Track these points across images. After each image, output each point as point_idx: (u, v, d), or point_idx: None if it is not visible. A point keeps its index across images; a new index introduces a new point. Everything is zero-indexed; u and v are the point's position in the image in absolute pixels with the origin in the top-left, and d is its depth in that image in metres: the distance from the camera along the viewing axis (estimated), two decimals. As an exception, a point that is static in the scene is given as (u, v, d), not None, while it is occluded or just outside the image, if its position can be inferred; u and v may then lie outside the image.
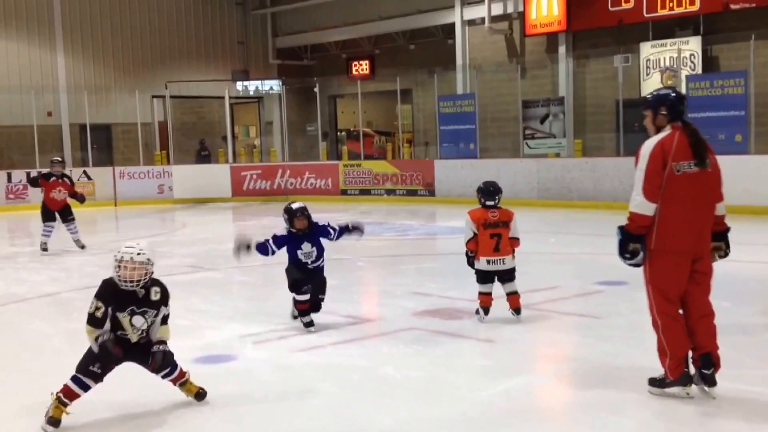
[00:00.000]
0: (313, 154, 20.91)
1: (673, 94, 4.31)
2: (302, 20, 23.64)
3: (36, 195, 18.07)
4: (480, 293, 6.10)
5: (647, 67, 16.56)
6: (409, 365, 5.16)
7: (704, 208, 4.21)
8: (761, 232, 10.81)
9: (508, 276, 6.05)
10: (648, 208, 4.11)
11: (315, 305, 6.15)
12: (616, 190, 14.49)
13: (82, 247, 11.09)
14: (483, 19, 19.10)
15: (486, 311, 6.11)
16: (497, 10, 18.91)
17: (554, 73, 18.39)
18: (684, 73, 15.27)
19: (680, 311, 4.27)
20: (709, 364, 4.24)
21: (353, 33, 22.48)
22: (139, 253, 4.09)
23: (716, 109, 13.71)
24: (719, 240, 4.37)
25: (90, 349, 4.12)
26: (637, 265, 4.28)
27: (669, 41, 16.23)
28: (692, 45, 15.92)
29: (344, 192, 18.75)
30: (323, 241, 6.22)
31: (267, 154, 21.91)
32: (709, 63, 15.90)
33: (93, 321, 4.09)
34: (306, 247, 6.04)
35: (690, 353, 4.30)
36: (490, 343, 5.65)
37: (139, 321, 4.16)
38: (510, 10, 18.83)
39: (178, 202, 18.85)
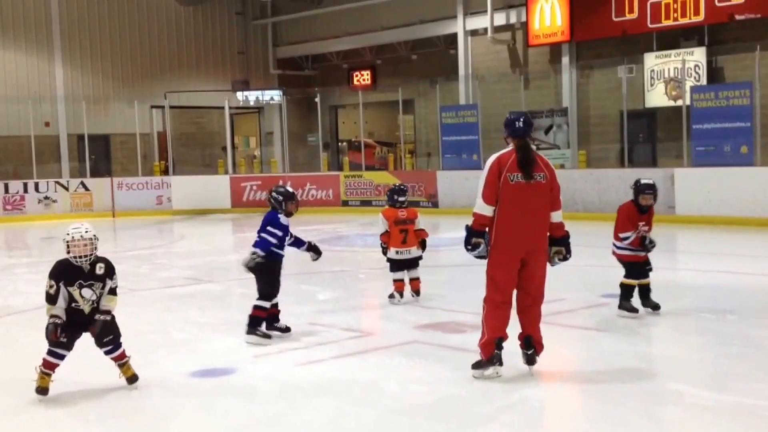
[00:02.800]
0: (313, 164, 20.79)
1: (512, 117, 5.11)
2: (303, 30, 23.63)
3: (33, 206, 18.07)
4: (394, 280, 7.28)
5: (651, 77, 16.49)
6: (411, 379, 5.10)
7: (533, 213, 4.95)
8: (769, 244, 10.68)
9: (414, 264, 7.25)
10: (487, 210, 4.91)
11: (274, 316, 6.15)
12: (621, 201, 14.16)
13: None
14: (486, 30, 19.04)
15: (401, 295, 7.28)
16: (500, 20, 18.86)
17: (558, 83, 18.32)
18: (688, 84, 15.17)
19: (505, 301, 4.93)
20: (529, 345, 4.99)
21: (355, 43, 22.44)
22: (87, 231, 4.79)
23: (721, 121, 13.59)
24: (560, 245, 5.10)
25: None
26: (481, 257, 4.97)
27: (673, 52, 16.16)
28: (697, 56, 15.85)
29: (345, 203, 18.62)
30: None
31: (267, 164, 21.81)
32: (714, 74, 15.82)
33: (48, 298, 4.79)
34: (289, 235, 6.07)
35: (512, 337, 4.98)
36: (495, 357, 5.51)
37: (87, 293, 4.79)
38: (513, 20, 18.78)
39: (177, 213, 18.71)
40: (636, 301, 6.64)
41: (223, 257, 12.12)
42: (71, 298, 4.76)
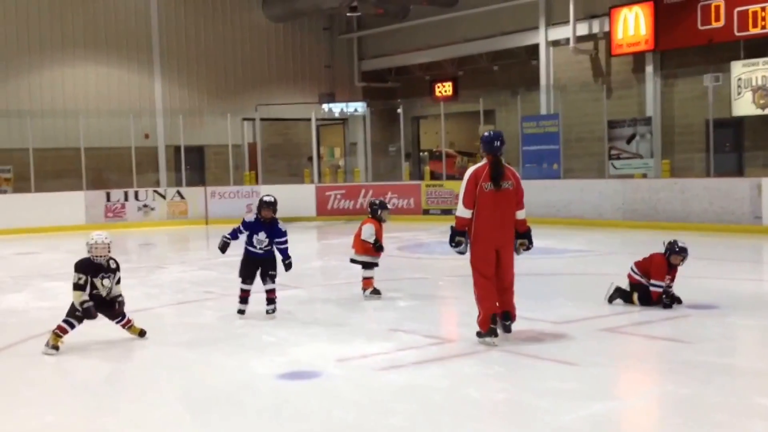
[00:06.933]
0: (395, 174, 21.13)
1: (490, 137, 6.20)
2: (387, 43, 24.03)
3: (133, 213, 19.10)
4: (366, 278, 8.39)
5: (738, 86, 16.04)
6: (490, 387, 5.16)
7: (503, 213, 6.15)
8: None
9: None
10: (466, 213, 6.13)
11: (270, 290, 7.46)
12: (706, 211, 14.07)
13: None
14: (568, 40, 18.93)
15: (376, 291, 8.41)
16: (582, 30, 18.72)
17: (641, 92, 18.03)
18: (779, 91, 14.73)
19: (489, 284, 6.13)
20: (507, 317, 6.31)
21: (437, 55, 22.67)
22: (105, 238, 6.32)
23: (813, 129, 13.16)
24: (524, 238, 6.31)
25: (73, 305, 6.25)
26: (461, 253, 6.23)
27: (761, 60, 15.68)
28: (787, 63, 15.35)
29: (426, 212, 18.87)
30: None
31: (351, 174, 22.29)
32: (805, 81, 15.28)
33: (78, 287, 6.25)
34: (261, 235, 7.41)
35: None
36: (573, 366, 5.57)
37: (107, 282, 6.35)
38: (595, 30, 18.62)
39: (265, 221, 19.33)
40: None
41: (309, 264, 12.50)
42: (92, 287, 6.24)
